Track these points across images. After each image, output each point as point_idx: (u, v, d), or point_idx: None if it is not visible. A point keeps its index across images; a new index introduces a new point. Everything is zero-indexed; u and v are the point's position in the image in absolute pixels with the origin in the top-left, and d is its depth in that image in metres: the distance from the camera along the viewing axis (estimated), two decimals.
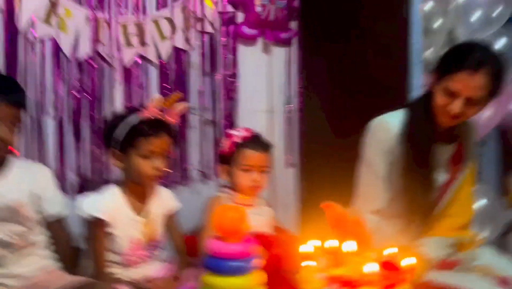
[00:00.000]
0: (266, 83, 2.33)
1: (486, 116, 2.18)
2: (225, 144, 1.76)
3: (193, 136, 2.13)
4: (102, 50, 1.84)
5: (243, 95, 2.25)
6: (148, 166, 1.55)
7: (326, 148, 2.33)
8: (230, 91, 2.20)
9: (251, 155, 1.71)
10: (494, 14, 2.25)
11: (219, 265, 1.06)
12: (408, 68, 2.27)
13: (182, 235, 1.74)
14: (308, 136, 2.37)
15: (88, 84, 1.83)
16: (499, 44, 2.30)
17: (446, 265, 1.64)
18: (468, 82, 1.50)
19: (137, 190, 1.62)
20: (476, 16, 2.24)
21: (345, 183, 1.81)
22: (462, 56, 1.54)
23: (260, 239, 1.61)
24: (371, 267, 1.14)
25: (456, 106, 1.52)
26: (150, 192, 1.66)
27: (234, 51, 2.19)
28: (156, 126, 1.55)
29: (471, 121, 1.77)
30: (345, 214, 1.46)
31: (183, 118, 2.07)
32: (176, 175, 2.07)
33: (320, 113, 2.37)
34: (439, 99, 1.56)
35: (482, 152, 2.78)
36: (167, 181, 2.04)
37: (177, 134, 1.77)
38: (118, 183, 1.64)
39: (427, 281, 1.51)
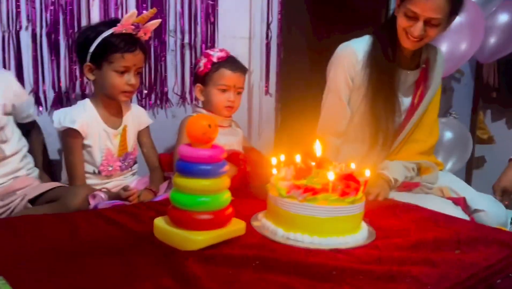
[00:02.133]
0: (246, 9, 2.32)
1: (461, 49, 2.22)
2: (202, 63, 1.78)
3: (172, 59, 2.13)
4: None
5: (223, 20, 2.23)
6: (122, 81, 1.57)
7: (303, 77, 2.36)
8: (210, 15, 2.19)
9: (228, 75, 1.74)
10: None
11: (188, 167, 1.12)
12: None
13: (156, 151, 1.80)
14: (286, 64, 2.39)
15: None
16: None
17: (406, 186, 1.75)
18: (426, 4, 1.54)
19: (110, 104, 1.65)
20: None
21: (318, 112, 1.87)
22: None
23: (231, 156, 1.69)
24: (331, 176, 1.22)
25: (417, 28, 1.57)
26: (122, 107, 1.70)
27: None
28: (130, 42, 1.56)
29: (438, 47, 1.82)
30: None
31: (162, 40, 2.08)
32: (154, 97, 2.10)
33: (299, 41, 2.37)
34: (401, 22, 1.61)
35: (456, 87, 2.86)
36: (145, 103, 2.08)
37: (148, 51, 1.79)
38: (92, 97, 1.67)
39: (388, 200, 1.62)
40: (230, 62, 1.76)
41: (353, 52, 1.73)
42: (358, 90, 1.75)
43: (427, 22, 1.57)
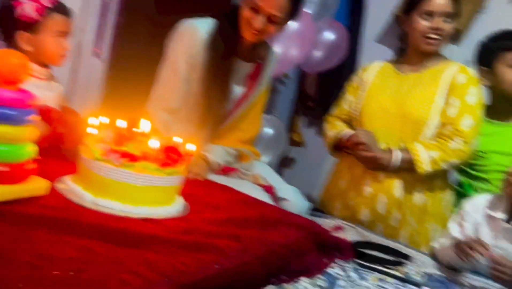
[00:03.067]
0: None
1: (291, 54, 2.41)
2: (29, 8, 1.55)
3: None
4: None
5: None
6: None
7: (142, 46, 2.25)
8: None
9: (63, 21, 1.58)
10: None
11: None
12: None
13: None
14: (125, 29, 2.25)
15: None
16: None
17: (224, 170, 1.81)
18: (270, 0, 1.61)
19: None
20: None
21: (149, 84, 1.81)
22: None
23: (44, 113, 1.51)
24: (153, 144, 1.18)
25: (258, 21, 1.63)
26: None
27: None
28: None
29: (272, 48, 1.94)
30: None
31: None
32: None
33: (143, 7, 2.26)
34: (245, 13, 1.66)
35: (281, 89, 3.09)
36: None
37: None
38: None
39: (206, 180, 1.65)
40: (61, 6, 1.59)
41: (196, 31, 1.72)
42: (195, 70, 1.75)
43: (269, 18, 1.65)
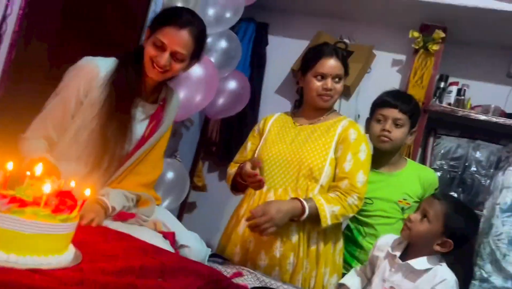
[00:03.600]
0: None
1: (195, 100, 2.45)
2: None
3: None
4: None
5: None
6: None
7: (36, 85, 2.14)
8: None
9: None
10: (226, 16, 2.57)
11: None
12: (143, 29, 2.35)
13: None
14: (19, 65, 2.13)
15: None
16: (221, 44, 2.64)
17: (122, 216, 1.74)
18: (174, 37, 1.66)
19: None
20: (211, 12, 2.50)
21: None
22: (172, 14, 1.72)
23: None
24: (47, 189, 1.12)
25: (163, 58, 1.67)
26: None
27: None
28: None
29: (176, 91, 1.97)
30: None
31: None
32: None
33: (41, 45, 2.17)
34: (149, 50, 1.69)
35: (184, 133, 3.10)
36: None
37: None
38: None
39: (101, 227, 1.57)
40: None
41: (96, 67, 1.70)
42: (92, 106, 1.70)
43: (173, 55, 1.68)
